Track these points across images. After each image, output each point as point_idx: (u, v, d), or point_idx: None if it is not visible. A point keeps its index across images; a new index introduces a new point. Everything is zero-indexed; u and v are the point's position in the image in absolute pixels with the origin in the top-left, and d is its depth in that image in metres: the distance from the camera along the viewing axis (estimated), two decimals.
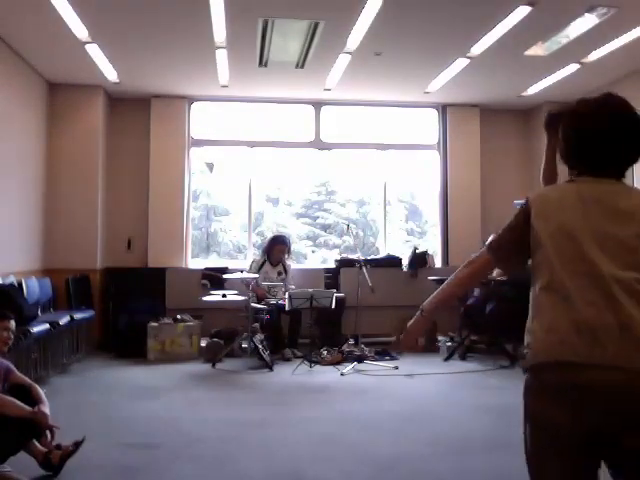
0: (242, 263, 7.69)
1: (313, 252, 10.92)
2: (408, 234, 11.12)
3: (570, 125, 1.81)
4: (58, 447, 3.20)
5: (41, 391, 3.24)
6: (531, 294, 1.74)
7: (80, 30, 5.62)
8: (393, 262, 7.92)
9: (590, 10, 5.14)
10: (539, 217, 1.72)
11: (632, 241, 1.62)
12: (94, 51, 6.16)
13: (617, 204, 1.67)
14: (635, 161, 1.77)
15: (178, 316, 6.85)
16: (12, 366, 3.33)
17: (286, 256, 7.22)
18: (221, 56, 6.31)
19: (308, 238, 11.16)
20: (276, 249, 7.13)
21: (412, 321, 1.97)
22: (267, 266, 7.09)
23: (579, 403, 1.53)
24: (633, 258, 1.61)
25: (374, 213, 10.61)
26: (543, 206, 1.74)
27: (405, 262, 7.96)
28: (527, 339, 1.70)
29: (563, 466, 1.58)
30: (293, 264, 7.64)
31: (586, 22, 5.39)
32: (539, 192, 1.85)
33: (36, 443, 3.18)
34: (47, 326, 5.41)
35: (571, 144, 1.80)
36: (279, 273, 7.12)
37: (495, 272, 7.07)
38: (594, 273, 1.60)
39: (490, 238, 1.95)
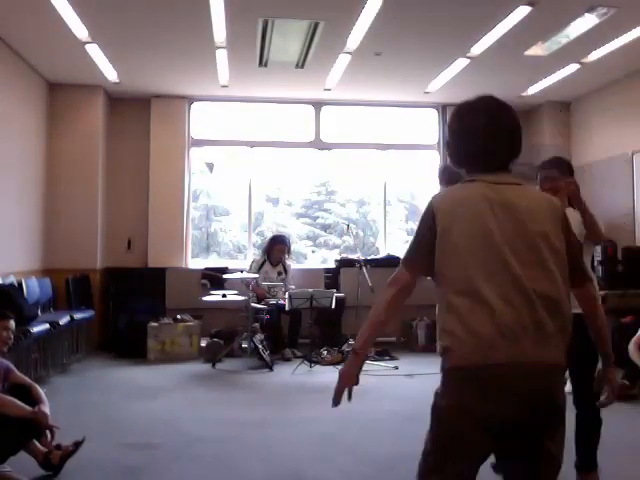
0: (242, 263, 7.69)
1: (313, 252, 10.92)
2: (408, 234, 11.10)
3: (460, 128, 1.86)
4: (58, 447, 3.20)
5: (41, 391, 3.24)
6: (440, 297, 1.75)
7: (80, 30, 5.62)
8: (393, 262, 7.88)
9: (590, 10, 5.14)
10: (446, 220, 1.74)
11: (536, 240, 1.70)
12: (94, 51, 6.16)
13: (519, 203, 1.74)
14: (519, 153, 1.85)
15: (178, 316, 6.85)
16: (12, 366, 3.33)
17: (286, 256, 7.23)
18: (221, 56, 6.31)
19: (308, 238, 11.16)
20: (276, 249, 7.13)
21: (346, 364, 1.89)
22: (267, 266, 7.09)
23: (503, 398, 1.63)
24: (537, 257, 1.69)
25: (374, 213, 10.60)
26: (449, 208, 1.76)
27: None
28: (446, 341, 1.71)
29: (475, 444, 1.67)
30: (293, 264, 7.64)
31: (586, 22, 5.39)
32: (442, 195, 1.88)
33: (36, 443, 3.18)
34: (47, 326, 5.41)
35: (463, 145, 1.86)
36: (279, 273, 7.12)
37: None
38: (508, 274, 1.66)
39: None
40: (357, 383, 1.89)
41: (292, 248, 7.54)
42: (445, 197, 1.84)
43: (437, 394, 1.77)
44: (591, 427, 3.05)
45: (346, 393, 1.87)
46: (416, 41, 5.98)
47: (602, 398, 1.97)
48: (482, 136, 1.81)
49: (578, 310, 2.24)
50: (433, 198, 1.83)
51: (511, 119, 1.84)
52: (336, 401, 1.87)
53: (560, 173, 3.17)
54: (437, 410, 1.75)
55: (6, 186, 6.13)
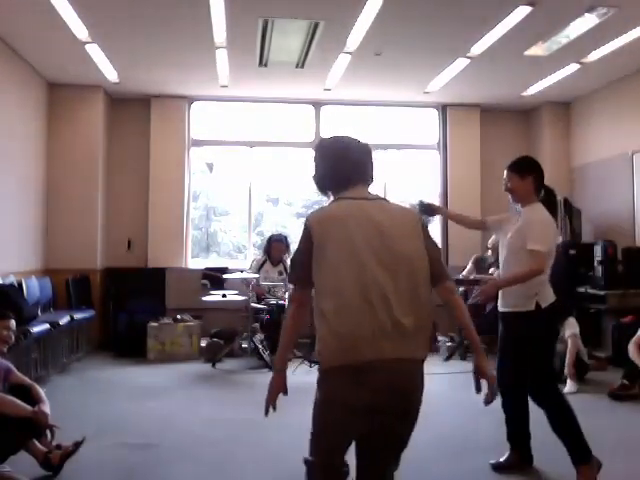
0: (242, 263, 7.69)
1: None
2: None
3: (326, 159, 2.25)
4: (58, 447, 3.20)
5: (41, 391, 3.24)
6: (315, 305, 2.00)
7: (80, 30, 5.62)
8: None
9: (590, 10, 5.14)
10: (322, 236, 2.01)
11: (399, 250, 1.98)
12: (94, 51, 6.16)
13: (383, 218, 2.05)
14: (373, 177, 2.30)
15: (178, 316, 6.85)
16: (12, 366, 3.33)
17: (286, 255, 7.23)
18: (221, 56, 6.31)
19: None
20: (274, 248, 7.13)
21: (272, 380, 2.25)
22: (268, 265, 7.09)
23: (366, 389, 1.92)
24: (401, 266, 1.97)
25: None
26: (323, 225, 2.05)
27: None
28: (318, 346, 1.99)
29: (344, 426, 2.03)
30: None
31: (586, 22, 5.38)
32: (316, 214, 2.18)
33: (36, 443, 3.18)
34: (47, 326, 5.41)
35: (328, 173, 2.23)
36: (280, 273, 7.12)
37: (495, 273, 7.10)
38: (373, 283, 1.93)
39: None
40: (286, 393, 2.30)
41: (292, 247, 7.53)
42: (320, 216, 2.13)
43: (316, 390, 2.09)
44: (561, 415, 3.06)
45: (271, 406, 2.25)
46: (416, 41, 5.98)
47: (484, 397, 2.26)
48: (344, 162, 2.21)
49: (509, 309, 3.23)
50: (309, 217, 2.13)
51: (363, 149, 2.33)
52: (266, 411, 2.27)
53: (519, 175, 3.48)
54: (315, 403, 2.11)
55: (6, 186, 6.13)
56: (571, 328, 5.39)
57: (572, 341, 5.33)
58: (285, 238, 7.35)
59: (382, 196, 2.22)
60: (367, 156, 2.32)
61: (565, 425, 3.10)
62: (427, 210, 3.65)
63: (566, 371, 5.24)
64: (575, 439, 3.07)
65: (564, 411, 3.10)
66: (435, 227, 8.61)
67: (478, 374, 2.23)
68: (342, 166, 2.21)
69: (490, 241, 7.16)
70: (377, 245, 1.98)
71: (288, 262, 7.28)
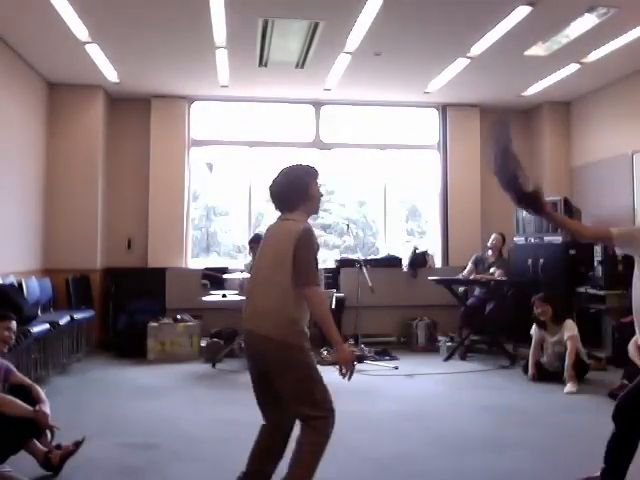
0: (242, 263, 7.67)
1: None
2: (408, 234, 11.09)
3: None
4: (58, 447, 3.20)
5: (41, 391, 3.24)
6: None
7: (80, 30, 5.62)
8: (393, 262, 7.92)
9: (590, 10, 5.14)
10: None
11: (279, 255, 2.68)
12: (94, 51, 6.16)
13: (279, 232, 2.81)
14: (291, 204, 2.85)
15: (178, 316, 6.85)
16: (12, 366, 3.33)
17: None
18: (221, 56, 6.31)
19: None
20: (252, 248, 7.13)
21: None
22: None
23: (247, 354, 2.86)
24: (275, 266, 2.68)
25: (374, 213, 10.59)
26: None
27: (405, 262, 7.96)
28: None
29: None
30: None
31: (586, 22, 5.39)
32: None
33: (36, 443, 3.18)
34: (47, 326, 5.41)
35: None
36: None
37: (497, 273, 7.08)
38: (259, 277, 2.77)
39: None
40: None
41: None
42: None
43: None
44: (624, 444, 2.91)
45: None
46: (416, 41, 5.98)
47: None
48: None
49: None
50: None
51: (280, 183, 2.99)
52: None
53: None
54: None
55: (6, 186, 6.13)
56: (569, 330, 5.39)
57: (571, 343, 5.33)
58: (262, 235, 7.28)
59: (292, 218, 2.81)
60: (281, 187, 2.98)
61: (622, 453, 2.91)
62: (528, 201, 2.92)
63: (566, 374, 5.25)
64: (619, 465, 2.94)
65: (630, 444, 2.91)
66: (435, 227, 8.62)
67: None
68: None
69: (490, 241, 7.17)
70: (269, 251, 2.78)
71: None
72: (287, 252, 2.64)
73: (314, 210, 2.93)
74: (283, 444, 2.82)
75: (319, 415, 2.73)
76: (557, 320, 5.50)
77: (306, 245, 2.66)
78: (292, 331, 2.64)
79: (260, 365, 2.71)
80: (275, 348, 2.61)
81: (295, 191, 2.86)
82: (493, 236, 7.20)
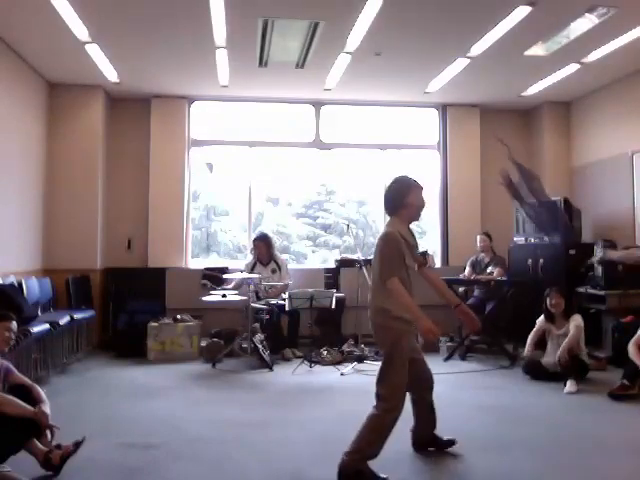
0: (242, 263, 7.68)
1: (313, 252, 10.91)
2: None
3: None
4: (58, 447, 3.20)
5: (41, 391, 3.24)
6: None
7: (80, 30, 5.62)
8: None
9: (590, 10, 5.14)
10: None
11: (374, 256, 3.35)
12: (94, 51, 6.16)
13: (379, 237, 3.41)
14: (391, 210, 3.42)
15: (178, 316, 6.84)
16: (12, 367, 3.33)
17: (274, 252, 7.21)
18: (221, 56, 6.31)
19: (308, 238, 11.14)
20: (256, 246, 7.16)
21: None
22: (259, 267, 7.09)
23: None
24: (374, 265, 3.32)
25: (374, 213, 10.59)
26: None
27: None
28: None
29: None
30: (291, 262, 7.61)
31: (586, 22, 5.39)
32: None
33: (37, 443, 3.18)
34: (47, 326, 5.41)
35: None
36: (273, 271, 7.12)
37: (495, 272, 7.09)
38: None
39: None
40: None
41: (274, 242, 7.44)
42: None
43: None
44: None
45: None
46: (416, 41, 5.98)
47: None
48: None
49: None
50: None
51: (386, 191, 3.48)
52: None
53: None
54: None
55: (6, 186, 6.13)
56: (577, 322, 5.44)
57: (576, 330, 5.36)
58: (266, 236, 7.30)
59: (388, 223, 3.42)
60: (385, 195, 3.47)
61: None
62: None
63: (559, 353, 5.25)
64: None
65: None
66: (435, 227, 8.62)
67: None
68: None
69: (478, 243, 7.20)
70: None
71: (281, 258, 7.30)
72: (376, 252, 3.31)
73: (413, 217, 3.41)
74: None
75: (385, 399, 3.24)
76: (567, 314, 5.53)
77: (384, 245, 3.27)
78: (384, 317, 3.23)
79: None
80: (375, 330, 3.32)
81: (394, 199, 3.38)
82: (479, 238, 7.25)
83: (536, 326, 5.73)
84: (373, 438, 3.19)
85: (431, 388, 3.60)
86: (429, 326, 3.12)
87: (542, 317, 5.69)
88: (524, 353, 5.71)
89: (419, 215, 3.43)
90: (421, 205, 3.39)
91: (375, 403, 3.27)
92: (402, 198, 3.33)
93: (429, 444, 3.60)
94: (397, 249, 3.23)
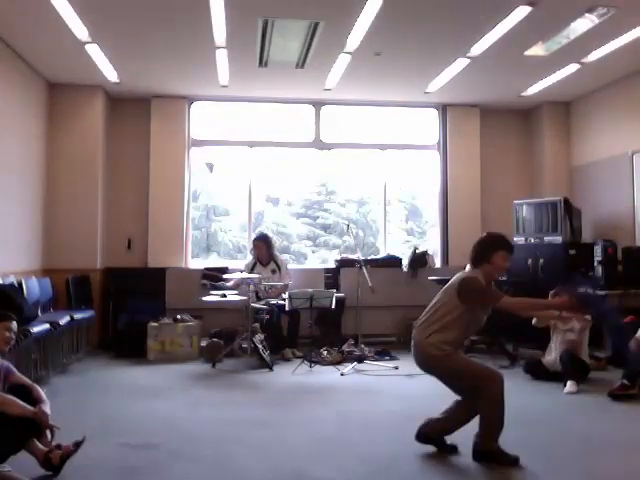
0: (242, 263, 7.68)
1: (313, 252, 10.91)
2: (408, 234, 11.11)
3: None
4: (58, 447, 3.20)
5: (41, 391, 3.24)
6: None
7: (80, 30, 5.62)
8: (393, 262, 7.92)
9: (590, 10, 5.15)
10: None
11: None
12: (94, 51, 6.16)
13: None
14: (473, 261, 3.61)
15: (178, 316, 6.84)
16: (12, 367, 3.33)
17: (273, 253, 7.21)
18: (221, 56, 6.31)
19: (308, 238, 11.15)
20: (256, 247, 7.16)
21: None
22: (259, 267, 7.09)
23: None
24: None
25: (374, 213, 10.59)
26: None
27: (405, 262, 7.96)
28: None
29: None
30: (291, 262, 7.61)
31: (586, 22, 5.39)
32: None
33: (37, 443, 3.18)
34: (47, 326, 5.41)
35: None
36: (273, 271, 7.12)
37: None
38: None
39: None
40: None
41: (285, 246, 7.49)
42: None
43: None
44: None
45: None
46: (416, 41, 5.98)
47: None
48: None
49: None
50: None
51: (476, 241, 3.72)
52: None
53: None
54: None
55: (6, 186, 6.13)
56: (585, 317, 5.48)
57: (584, 323, 5.40)
58: (265, 236, 7.31)
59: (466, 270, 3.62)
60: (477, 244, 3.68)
61: None
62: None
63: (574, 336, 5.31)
64: None
65: None
66: (435, 227, 8.62)
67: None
68: None
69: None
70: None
71: (281, 259, 7.30)
72: (450, 290, 3.53)
73: (491, 276, 3.57)
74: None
75: (476, 388, 3.49)
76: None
77: (468, 284, 3.49)
78: (432, 346, 3.51)
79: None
80: (422, 359, 3.68)
81: (481, 252, 3.57)
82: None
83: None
84: (492, 419, 3.39)
85: (474, 414, 3.59)
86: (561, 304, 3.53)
87: None
88: (533, 322, 5.67)
89: (497, 277, 3.67)
90: (503, 269, 3.60)
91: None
92: (489, 255, 3.52)
93: (432, 441, 3.62)
94: (481, 286, 3.45)
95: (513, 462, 3.32)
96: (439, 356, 3.43)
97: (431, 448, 3.64)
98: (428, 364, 3.54)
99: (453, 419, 3.62)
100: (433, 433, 3.62)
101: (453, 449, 3.57)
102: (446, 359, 3.44)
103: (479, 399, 3.40)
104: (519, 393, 5.17)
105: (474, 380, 3.43)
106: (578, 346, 5.42)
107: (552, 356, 5.54)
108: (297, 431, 4.06)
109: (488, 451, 3.38)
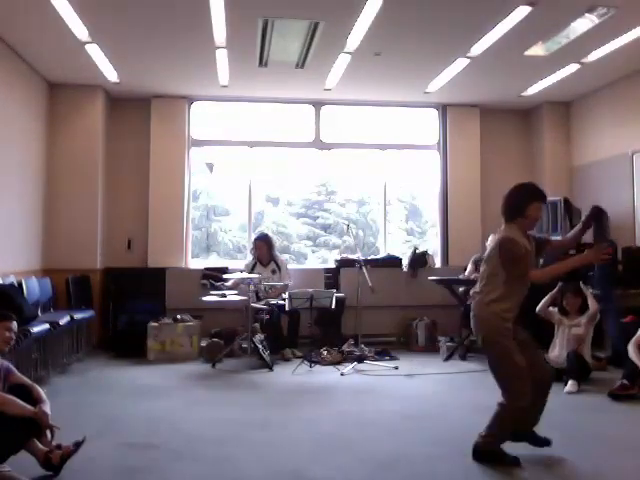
0: (242, 263, 7.69)
1: (313, 252, 10.91)
2: (408, 234, 11.12)
3: None
4: (58, 447, 3.20)
5: (41, 391, 3.24)
6: None
7: (80, 30, 5.62)
8: (393, 262, 7.92)
9: (590, 10, 5.15)
10: None
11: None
12: (94, 51, 6.16)
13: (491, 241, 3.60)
14: (507, 217, 3.47)
15: (178, 316, 6.84)
16: (12, 367, 3.33)
17: (274, 253, 7.21)
18: (221, 56, 6.31)
19: (308, 238, 11.15)
20: (257, 246, 7.16)
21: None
22: (259, 267, 7.09)
23: None
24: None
25: (374, 213, 10.59)
26: None
27: (405, 262, 7.96)
28: None
29: None
30: (291, 262, 7.61)
31: (586, 22, 5.39)
32: None
33: (37, 443, 3.18)
34: (47, 326, 5.41)
35: None
36: (273, 271, 7.12)
37: None
38: None
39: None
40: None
41: (285, 246, 7.49)
42: None
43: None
44: None
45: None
46: (416, 41, 5.98)
47: None
48: None
49: None
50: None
51: (505, 195, 3.50)
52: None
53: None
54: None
55: (6, 186, 6.13)
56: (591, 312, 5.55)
57: (592, 313, 5.46)
58: (267, 236, 7.31)
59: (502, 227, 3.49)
60: (504, 200, 3.49)
61: None
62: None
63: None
64: None
65: None
66: (435, 227, 8.62)
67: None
68: None
69: (489, 242, 7.16)
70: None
71: (281, 259, 7.30)
72: (492, 254, 3.43)
73: (528, 228, 3.43)
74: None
75: (503, 389, 3.43)
76: (581, 311, 5.57)
77: (507, 249, 3.35)
78: (486, 311, 3.44)
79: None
80: (475, 324, 3.56)
81: (514, 207, 3.41)
82: (491, 237, 7.19)
83: (552, 292, 5.72)
84: (503, 424, 3.37)
85: (545, 394, 3.54)
86: (593, 256, 3.37)
87: (556, 308, 5.69)
88: (537, 309, 5.68)
89: (534, 227, 3.49)
90: (538, 218, 3.46)
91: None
92: (523, 208, 3.38)
93: (524, 438, 3.55)
94: (518, 251, 3.32)
95: (514, 462, 3.32)
96: (499, 329, 3.33)
97: (431, 448, 3.64)
98: (489, 337, 3.39)
99: (531, 409, 3.49)
100: (521, 430, 3.51)
101: (547, 442, 3.52)
102: (501, 339, 3.33)
103: (503, 399, 3.36)
104: None
105: (503, 382, 3.38)
106: (583, 342, 5.43)
107: (555, 352, 5.54)
108: (297, 431, 4.06)
109: (489, 451, 3.37)
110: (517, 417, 3.35)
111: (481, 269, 3.53)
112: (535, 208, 3.39)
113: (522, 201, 3.40)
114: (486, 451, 3.39)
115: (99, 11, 5.26)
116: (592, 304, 5.52)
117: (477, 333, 3.47)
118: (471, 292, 3.60)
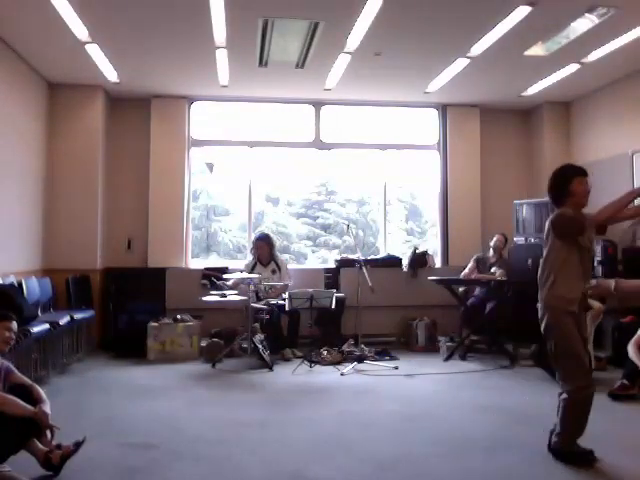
0: (242, 263, 7.69)
1: (313, 252, 10.92)
2: (408, 234, 11.12)
3: None
4: (59, 447, 3.20)
5: (41, 391, 3.24)
6: None
7: (80, 30, 5.62)
8: (393, 262, 7.92)
9: (590, 10, 5.14)
10: None
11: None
12: (94, 51, 6.16)
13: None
14: (556, 201, 3.50)
15: (178, 316, 6.84)
16: (12, 367, 3.33)
17: (275, 253, 7.21)
18: (221, 56, 6.31)
19: (308, 238, 11.15)
20: (257, 246, 7.16)
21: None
22: (259, 267, 7.09)
23: None
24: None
25: (374, 213, 10.60)
26: None
27: (405, 262, 7.96)
28: None
29: None
30: (291, 262, 7.61)
31: (586, 22, 5.39)
32: None
33: (37, 442, 3.18)
34: (47, 326, 5.41)
35: None
36: (273, 271, 7.12)
37: (498, 273, 7.07)
38: None
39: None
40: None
41: (285, 246, 7.50)
42: None
43: None
44: None
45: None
46: (416, 41, 5.98)
47: None
48: None
49: None
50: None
51: (549, 184, 3.56)
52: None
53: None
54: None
55: (6, 186, 6.13)
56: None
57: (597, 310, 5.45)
58: (267, 236, 7.31)
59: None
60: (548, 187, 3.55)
61: None
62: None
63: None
64: None
65: None
66: (435, 227, 8.62)
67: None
68: None
69: (493, 241, 7.17)
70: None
71: (281, 259, 7.30)
72: (549, 234, 3.43)
73: (579, 204, 3.42)
74: None
75: (564, 380, 3.49)
76: (585, 309, 5.56)
77: (559, 219, 3.41)
78: (549, 297, 3.45)
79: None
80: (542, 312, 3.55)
81: (556, 188, 3.47)
82: (496, 237, 7.20)
83: None
84: (573, 418, 3.38)
85: None
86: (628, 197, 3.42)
87: None
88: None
89: (586, 201, 3.46)
90: (585, 191, 3.44)
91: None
92: (565, 186, 3.42)
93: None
94: (570, 215, 3.37)
95: (591, 458, 3.39)
96: (561, 312, 3.34)
97: (431, 448, 3.64)
98: (550, 320, 3.39)
99: None
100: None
101: (591, 454, 3.44)
102: (563, 320, 3.34)
103: (564, 396, 3.39)
104: (519, 393, 5.18)
105: (561, 371, 3.43)
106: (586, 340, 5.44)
107: None
108: (297, 431, 4.06)
109: (568, 452, 3.40)
110: (584, 410, 3.36)
111: (541, 261, 3.52)
112: (579, 182, 3.43)
113: (564, 180, 3.45)
114: (564, 452, 3.41)
115: (99, 11, 5.25)
116: (595, 303, 5.52)
117: (541, 321, 3.47)
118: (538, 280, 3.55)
